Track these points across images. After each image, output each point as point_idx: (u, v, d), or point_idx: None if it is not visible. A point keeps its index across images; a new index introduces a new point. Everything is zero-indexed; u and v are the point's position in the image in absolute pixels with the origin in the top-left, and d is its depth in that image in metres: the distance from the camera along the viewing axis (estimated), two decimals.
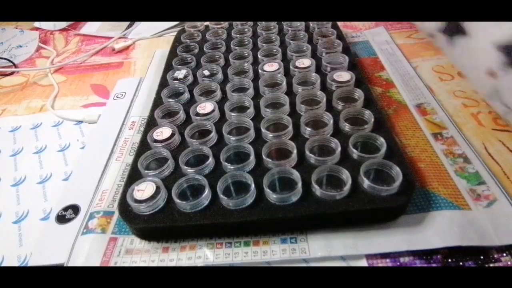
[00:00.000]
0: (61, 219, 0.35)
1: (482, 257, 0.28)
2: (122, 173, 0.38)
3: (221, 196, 0.31)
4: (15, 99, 0.55)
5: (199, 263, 0.30)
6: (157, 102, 0.44)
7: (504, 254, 0.28)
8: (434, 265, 0.28)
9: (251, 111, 0.40)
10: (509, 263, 0.28)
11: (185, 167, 0.34)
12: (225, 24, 0.59)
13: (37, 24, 0.76)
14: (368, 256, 0.29)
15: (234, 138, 0.36)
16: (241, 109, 0.41)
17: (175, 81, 0.46)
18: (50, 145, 0.45)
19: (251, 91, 0.43)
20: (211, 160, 0.34)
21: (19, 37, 0.71)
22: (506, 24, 0.31)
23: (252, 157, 0.34)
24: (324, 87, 0.43)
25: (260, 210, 0.30)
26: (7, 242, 0.34)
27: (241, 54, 0.51)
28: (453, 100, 0.43)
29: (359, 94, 0.40)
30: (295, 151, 0.33)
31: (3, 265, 0.32)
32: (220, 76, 0.47)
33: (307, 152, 0.34)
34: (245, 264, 0.29)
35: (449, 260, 0.28)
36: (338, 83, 0.42)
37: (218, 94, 0.43)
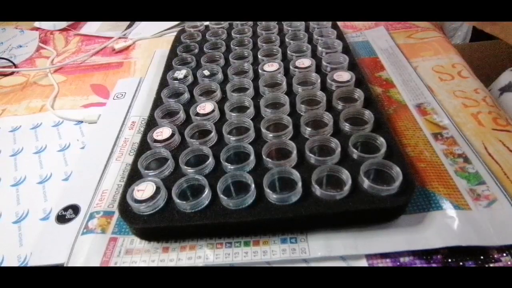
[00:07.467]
0: (61, 219, 0.35)
1: (482, 257, 0.28)
2: (122, 173, 0.38)
3: (221, 196, 0.31)
4: (15, 99, 0.55)
5: (199, 263, 0.30)
6: (157, 102, 0.44)
7: (504, 254, 0.28)
8: (434, 265, 0.28)
9: (251, 111, 0.40)
10: (509, 263, 0.28)
11: (185, 167, 0.34)
12: (225, 24, 0.59)
13: (37, 24, 0.76)
14: (368, 256, 0.29)
15: (234, 138, 0.36)
16: (241, 109, 0.41)
17: (175, 81, 0.46)
18: (50, 145, 0.45)
19: (251, 91, 0.43)
20: (211, 160, 0.34)
21: (19, 37, 0.71)
22: None
23: (252, 157, 0.34)
24: (324, 87, 0.43)
25: (260, 210, 0.30)
26: (7, 242, 0.34)
27: (241, 54, 0.51)
28: (453, 100, 0.43)
29: (359, 94, 0.40)
30: (295, 151, 0.33)
31: (3, 265, 0.32)
32: (220, 76, 0.47)
33: (307, 152, 0.34)
34: (245, 264, 0.29)
35: (449, 260, 0.28)
36: (338, 83, 0.42)
37: (218, 94, 0.43)
